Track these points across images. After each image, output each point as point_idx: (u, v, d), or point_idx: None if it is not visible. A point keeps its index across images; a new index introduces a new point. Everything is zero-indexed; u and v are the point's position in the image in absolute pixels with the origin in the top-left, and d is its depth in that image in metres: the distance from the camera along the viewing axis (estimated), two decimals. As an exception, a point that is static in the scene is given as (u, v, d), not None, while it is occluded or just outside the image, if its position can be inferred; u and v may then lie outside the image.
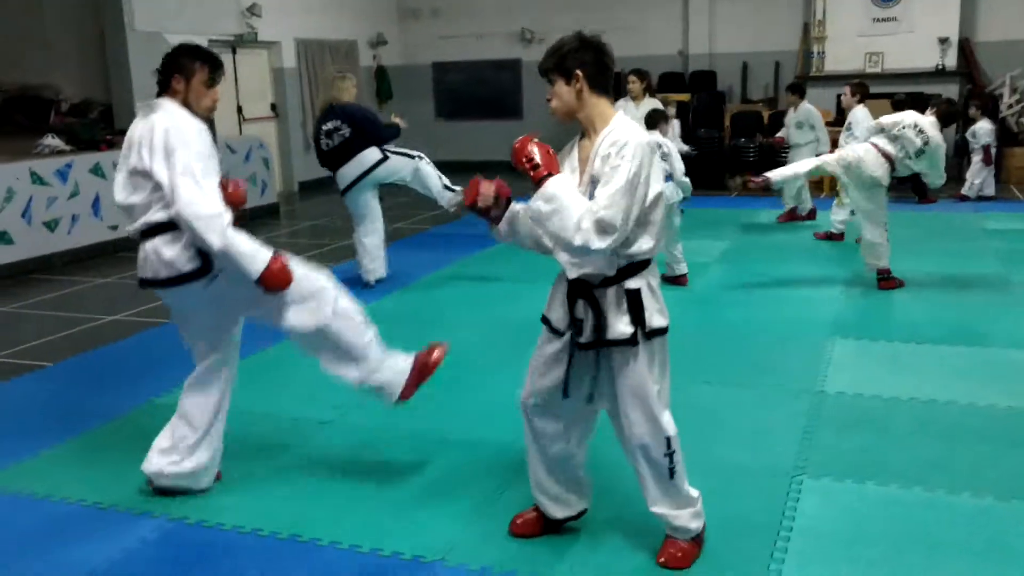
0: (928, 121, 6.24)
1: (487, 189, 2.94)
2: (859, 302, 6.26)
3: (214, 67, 3.39)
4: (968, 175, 10.41)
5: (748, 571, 2.97)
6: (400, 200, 9.62)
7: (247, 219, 10.27)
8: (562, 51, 2.76)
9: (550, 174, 2.67)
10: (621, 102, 8.56)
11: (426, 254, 8.32)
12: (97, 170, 8.63)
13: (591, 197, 2.66)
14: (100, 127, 9.39)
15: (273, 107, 12.67)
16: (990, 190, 10.39)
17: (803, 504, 3.38)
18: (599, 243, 2.58)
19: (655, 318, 2.78)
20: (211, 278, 3.32)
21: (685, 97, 12.51)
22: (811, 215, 9.23)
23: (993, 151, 10.34)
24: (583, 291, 2.80)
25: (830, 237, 8.28)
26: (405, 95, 14.79)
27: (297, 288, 3.33)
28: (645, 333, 2.76)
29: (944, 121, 6.29)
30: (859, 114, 8.01)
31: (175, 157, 3.15)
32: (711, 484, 3.51)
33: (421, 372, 3.53)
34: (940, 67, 12.18)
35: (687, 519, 2.96)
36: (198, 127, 3.26)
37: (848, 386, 4.61)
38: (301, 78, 12.85)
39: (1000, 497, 3.38)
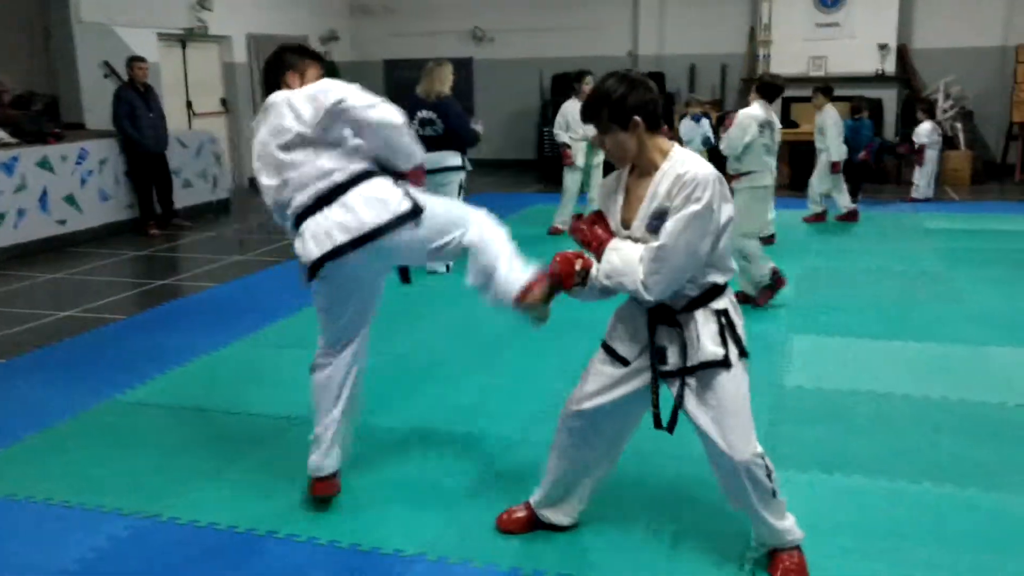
0: (761, 109, 6.13)
1: (575, 266, 2.84)
2: (811, 298, 6.42)
3: (320, 62, 3.33)
4: (914, 178, 10.69)
5: (726, 559, 3.05)
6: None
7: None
8: (613, 99, 2.65)
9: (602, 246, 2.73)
10: (570, 103, 8.66)
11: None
12: (44, 163, 8.43)
13: (652, 230, 2.65)
14: (46, 120, 9.17)
15: (223, 102, 12.50)
16: (929, 191, 10.71)
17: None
18: (659, 287, 2.62)
19: (743, 337, 2.79)
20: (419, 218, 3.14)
21: (635, 98, 12.65)
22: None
23: (930, 152, 10.63)
24: (665, 317, 2.77)
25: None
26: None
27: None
28: (741, 352, 2.76)
29: (769, 96, 6.17)
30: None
31: (352, 101, 3.06)
32: (684, 475, 3.62)
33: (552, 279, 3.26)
34: (880, 72, 12.53)
35: (794, 529, 2.93)
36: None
37: (807, 380, 4.74)
38: (252, 73, 12.69)
39: (959, 485, 3.53)
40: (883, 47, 12.40)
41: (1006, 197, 10.94)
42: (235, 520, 3.36)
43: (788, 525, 2.91)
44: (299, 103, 3.10)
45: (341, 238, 3.06)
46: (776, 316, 5.97)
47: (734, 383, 2.75)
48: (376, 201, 3.09)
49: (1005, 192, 11.33)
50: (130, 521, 3.37)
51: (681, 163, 2.66)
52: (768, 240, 8.28)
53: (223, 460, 3.88)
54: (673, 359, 2.77)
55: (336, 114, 3.07)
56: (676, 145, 2.75)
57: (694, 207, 2.58)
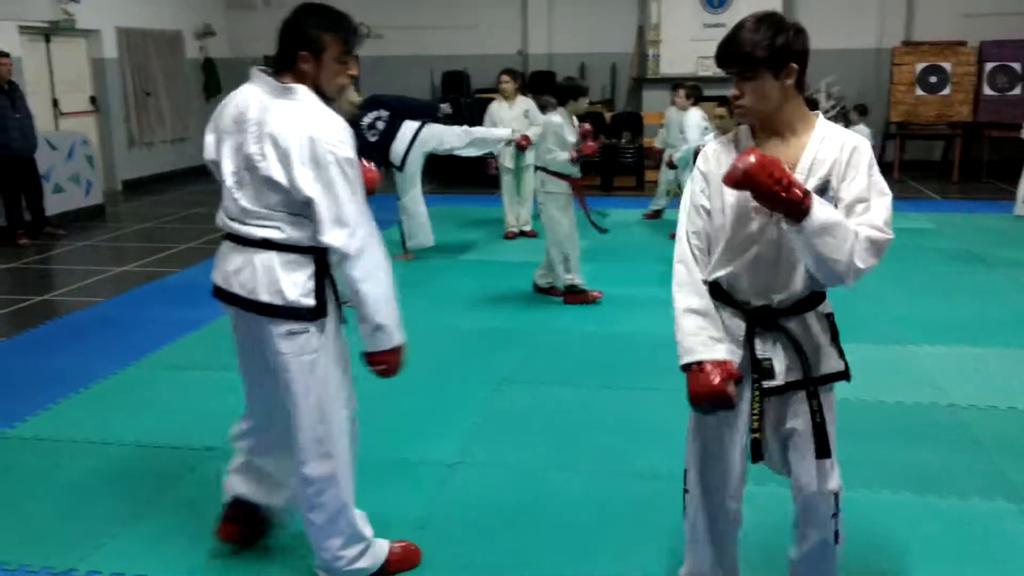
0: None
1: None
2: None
3: (349, 36, 2.65)
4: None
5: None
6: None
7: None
8: (777, 41, 2.25)
9: (807, 195, 2.14)
10: (494, 103, 8.50)
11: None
12: None
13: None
14: None
15: (93, 100, 11.70)
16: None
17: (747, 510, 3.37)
18: (869, 264, 2.19)
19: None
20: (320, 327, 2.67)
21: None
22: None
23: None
24: (768, 320, 2.36)
25: None
26: (235, 89, 14.10)
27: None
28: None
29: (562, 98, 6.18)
30: (692, 117, 8.21)
31: (328, 174, 2.51)
32: (650, 492, 3.48)
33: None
34: (765, 72, 12.80)
35: None
36: (347, 130, 2.61)
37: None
38: (123, 69, 11.94)
39: (917, 492, 3.52)
40: (768, 48, 12.68)
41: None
42: (162, 571, 3.01)
43: None
44: (278, 134, 2.53)
45: (237, 290, 2.67)
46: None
47: (834, 400, 2.45)
48: (289, 282, 2.62)
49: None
50: (39, 579, 2.99)
51: (834, 131, 2.32)
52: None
53: (138, 501, 3.50)
54: (781, 371, 2.35)
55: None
56: (820, 114, 2.37)
57: (879, 180, 2.26)
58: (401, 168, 7.31)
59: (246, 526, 3.10)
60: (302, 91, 2.60)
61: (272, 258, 2.60)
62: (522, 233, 8.73)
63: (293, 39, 2.62)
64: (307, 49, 2.59)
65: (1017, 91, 12.04)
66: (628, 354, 5.24)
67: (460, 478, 3.66)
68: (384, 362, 2.66)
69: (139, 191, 11.99)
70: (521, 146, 8.40)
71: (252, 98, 2.63)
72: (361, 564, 2.85)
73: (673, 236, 8.31)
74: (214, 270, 2.76)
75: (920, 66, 12.27)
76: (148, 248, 8.49)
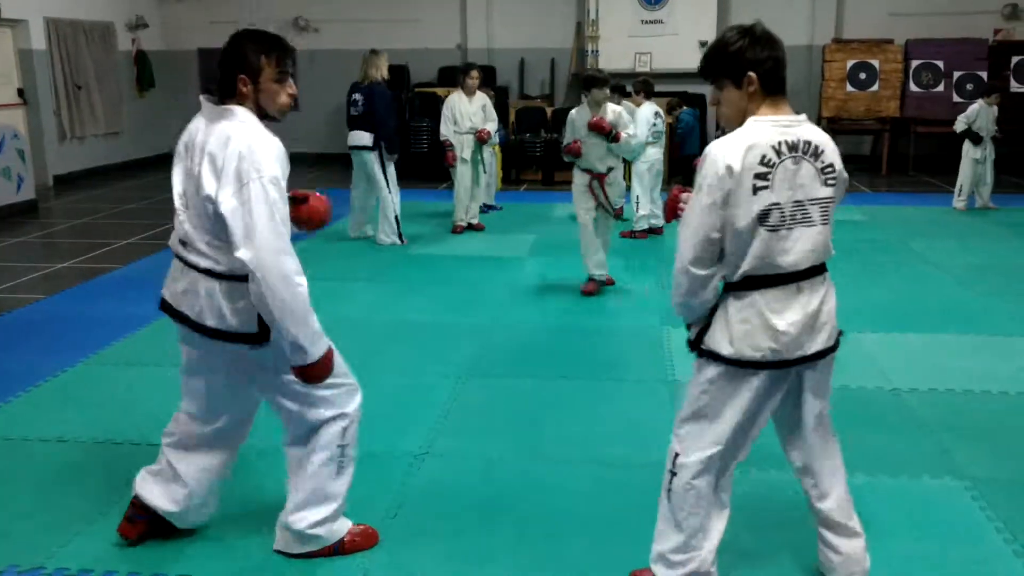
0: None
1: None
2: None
3: (282, 56, 2.76)
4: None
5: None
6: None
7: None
8: (729, 50, 2.45)
9: None
10: (454, 96, 8.52)
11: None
12: None
13: None
14: None
15: (20, 93, 11.35)
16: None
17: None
18: (676, 299, 2.62)
19: (716, 340, 2.54)
20: (263, 345, 2.76)
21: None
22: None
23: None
24: None
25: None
26: (168, 83, 13.84)
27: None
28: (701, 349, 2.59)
29: None
30: (643, 112, 8.35)
31: (248, 190, 2.57)
32: (615, 479, 3.55)
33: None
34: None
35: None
36: (278, 150, 2.67)
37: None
38: (53, 61, 11.61)
39: (869, 473, 3.65)
40: (703, 44, 12.90)
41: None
42: (131, 566, 2.98)
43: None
44: (215, 152, 2.62)
45: (186, 310, 2.78)
46: (647, 309, 6.04)
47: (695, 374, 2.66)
48: (231, 310, 2.73)
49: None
50: (4, 578, 2.93)
51: (718, 140, 2.46)
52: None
53: (102, 498, 3.44)
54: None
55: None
56: (752, 121, 2.44)
57: (694, 196, 2.46)
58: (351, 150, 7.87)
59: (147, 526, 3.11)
60: (239, 111, 2.72)
61: (215, 286, 2.72)
62: (470, 226, 8.77)
63: (232, 64, 2.74)
64: (245, 73, 2.72)
65: (940, 88, 12.49)
66: (587, 345, 5.34)
67: (427, 469, 3.69)
68: (303, 376, 2.75)
69: (71, 186, 11.69)
70: (481, 139, 8.48)
71: (199, 123, 2.76)
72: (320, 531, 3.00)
73: (625, 235, 8.54)
74: (164, 287, 2.86)
75: (850, 63, 12.64)
76: (84, 244, 8.30)
